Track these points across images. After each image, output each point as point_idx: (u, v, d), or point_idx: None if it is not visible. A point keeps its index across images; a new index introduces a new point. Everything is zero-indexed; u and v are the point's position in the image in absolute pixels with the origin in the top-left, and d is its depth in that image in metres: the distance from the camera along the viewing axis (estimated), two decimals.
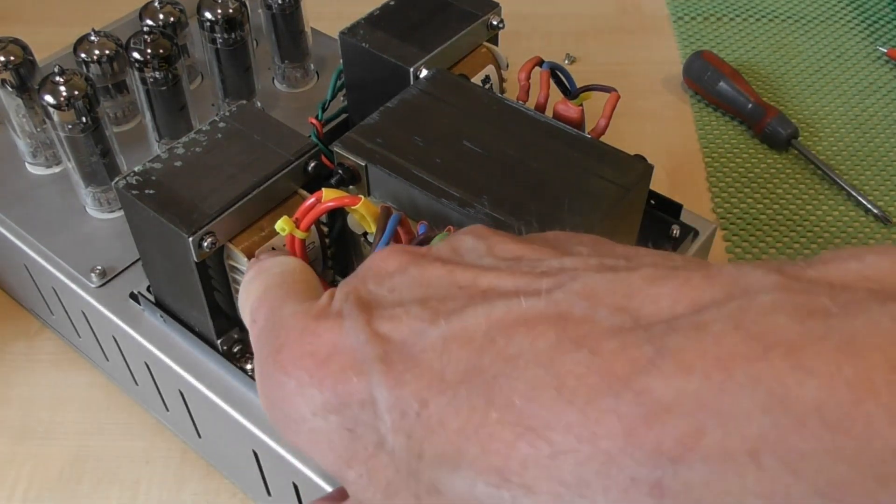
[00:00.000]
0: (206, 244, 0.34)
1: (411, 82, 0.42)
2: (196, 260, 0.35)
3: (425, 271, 0.22)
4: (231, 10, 0.48)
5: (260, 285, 0.27)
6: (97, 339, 0.46)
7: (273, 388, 0.23)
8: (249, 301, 0.27)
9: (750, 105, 0.65)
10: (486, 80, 0.46)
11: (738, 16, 0.79)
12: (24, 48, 0.48)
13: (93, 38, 0.50)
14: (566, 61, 0.74)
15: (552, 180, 0.33)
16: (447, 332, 0.20)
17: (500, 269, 0.21)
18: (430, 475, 0.20)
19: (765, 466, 0.16)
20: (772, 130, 0.64)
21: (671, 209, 0.45)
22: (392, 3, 0.46)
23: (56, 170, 0.50)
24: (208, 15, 0.48)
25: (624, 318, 0.18)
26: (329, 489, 0.35)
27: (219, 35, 0.49)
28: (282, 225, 0.32)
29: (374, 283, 0.23)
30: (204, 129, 0.38)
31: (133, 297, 0.42)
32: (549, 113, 0.40)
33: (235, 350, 0.39)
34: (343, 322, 0.22)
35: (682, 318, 0.18)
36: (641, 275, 0.19)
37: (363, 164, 0.34)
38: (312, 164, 0.37)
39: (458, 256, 0.23)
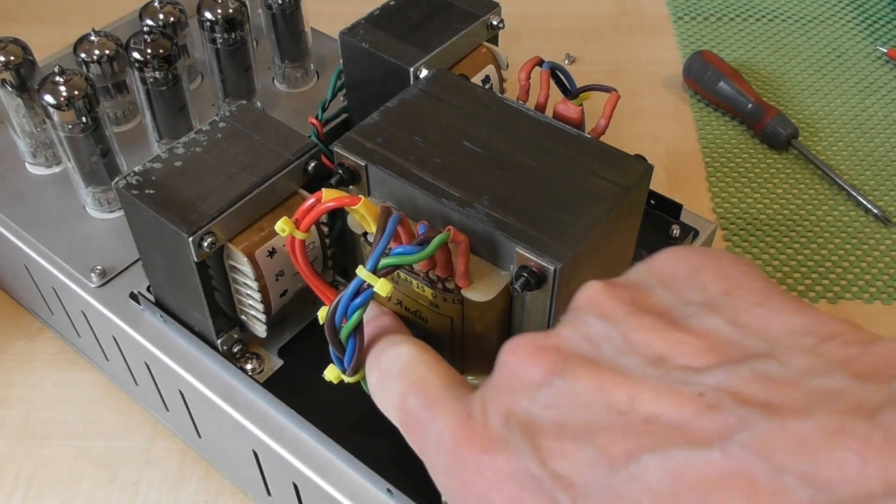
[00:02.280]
0: (206, 244, 0.34)
1: (411, 82, 0.42)
2: (196, 260, 0.35)
3: (574, 384, 0.22)
4: (231, 10, 0.48)
5: (395, 390, 0.28)
6: (97, 339, 0.46)
7: None
8: (392, 410, 0.28)
9: (750, 105, 0.65)
10: (486, 80, 0.46)
11: (738, 16, 0.79)
12: (24, 48, 0.48)
13: (93, 38, 0.50)
14: (566, 61, 0.74)
15: (552, 180, 0.33)
16: (631, 486, 0.20)
17: (651, 385, 0.21)
18: None
19: None
20: (772, 130, 0.64)
21: (671, 209, 0.45)
22: (392, 3, 0.46)
23: (56, 170, 0.50)
24: (208, 15, 0.48)
25: (814, 493, 0.18)
26: (329, 489, 0.35)
27: (219, 35, 0.49)
28: (282, 225, 0.32)
29: (525, 397, 0.23)
30: (204, 129, 0.38)
31: (133, 297, 0.42)
32: (549, 113, 0.39)
33: (235, 350, 0.39)
34: (516, 457, 0.22)
35: (875, 499, 0.17)
36: (817, 426, 0.18)
37: (363, 164, 0.34)
38: (312, 164, 0.37)
39: (595, 350, 0.23)
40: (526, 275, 0.31)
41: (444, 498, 0.26)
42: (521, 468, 0.22)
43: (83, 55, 0.50)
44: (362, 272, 0.29)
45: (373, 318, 0.32)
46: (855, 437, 0.18)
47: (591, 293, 0.25)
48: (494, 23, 0.46)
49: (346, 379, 0.33)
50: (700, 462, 0.19)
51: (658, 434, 0.20)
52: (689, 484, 0.19)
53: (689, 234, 0.44)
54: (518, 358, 0.24)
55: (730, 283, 0.23)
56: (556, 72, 0.41)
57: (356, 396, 0.35)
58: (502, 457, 0.23)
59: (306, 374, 0.39)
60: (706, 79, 0.68)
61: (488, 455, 0.23)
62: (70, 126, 0.44)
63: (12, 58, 0.47)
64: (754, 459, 0.18)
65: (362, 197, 0.31)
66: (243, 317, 0.39)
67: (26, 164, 0.50)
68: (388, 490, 0.34)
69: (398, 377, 0.28)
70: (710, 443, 0.19)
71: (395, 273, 0.32)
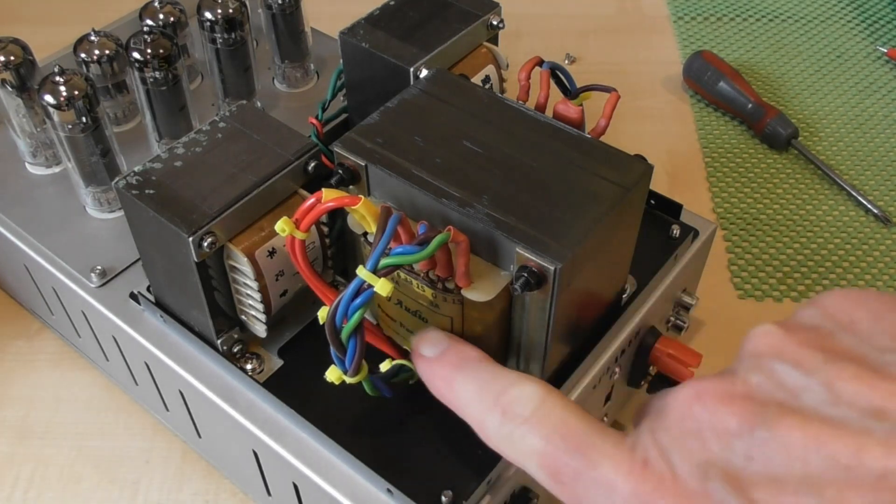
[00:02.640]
0: (206, 244, 0.34)
1: (411, 82, 0.42)
2: (196, 260, 0.35)
3: (781, 434, 0.21)
4: (231, 10, 0.48)
5: (532, 436, 0.26)
6: (97, 339, 0.46)
7: None
8: (531, 458, 0.26)
9: (750, 105, 0.65)
10: (486, 80, 0.46)
11: (738, 16, 0.79)
12: (24, 48, 0.48)
13: (93, 38, 0.50)
14: (566, 61, 0.74)
15: (552, 180, 0.33)
16: None
17: (878, 439, 0.20)
18: None
19: None
20: (772, 130, 0.64)
21: (671, 209, 0.45)
22: (392, 3, 0.46)
23: (56, 170, 0.50)
24: (208, 15, 0.48)
25: None
26: (329, 489, 0.35)
27: (219, 35, 0.49)
28: (282, 226, 0.32)
29: (719, 447, 0.22)
30: (204, 129, 0.38)
31: (133, 297, 0.42)
32: (549, 113, 0.39)
33: (235, 350, 0.39)
34: None
35: None
36: None
37: (363, 164, 0.34)
38: (312, 164, 0.37)
39: (794, 399, 0.22)
40: (526, 275, 0.31)
41: None
42: None
43: (83, 55, 0.50)
44: (362, 272, 0.29)
45: (454, 349, 0.30)
46: None
47: (771, 338, 0.24)
48: (494, 23, 0.46)
49: (348, 380, 0.33)
50: None
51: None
52: None
53: (688, 233, 0.44)
54: (706, 405, 0.23)
55: None
56: (556, 72, 0.41)
57: (356, 396, 0.35)
58: None
59: (306, 374, 0.39)
60: (706, 79, 0.68)
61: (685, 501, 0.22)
62: (70, 126, 0.44)
63: (12, 58, 0.47)
64: None
65: (362, 197, 0.31)
66: (243, 317, 0.39)
67: (26, 164, 0.50)
68: (388, 490, 0.34)
69: (532, 420, 0.26)
70: None
71: (395, 273, 0.32)
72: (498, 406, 0.27)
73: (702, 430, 0.22)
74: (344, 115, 0.49)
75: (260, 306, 0.37)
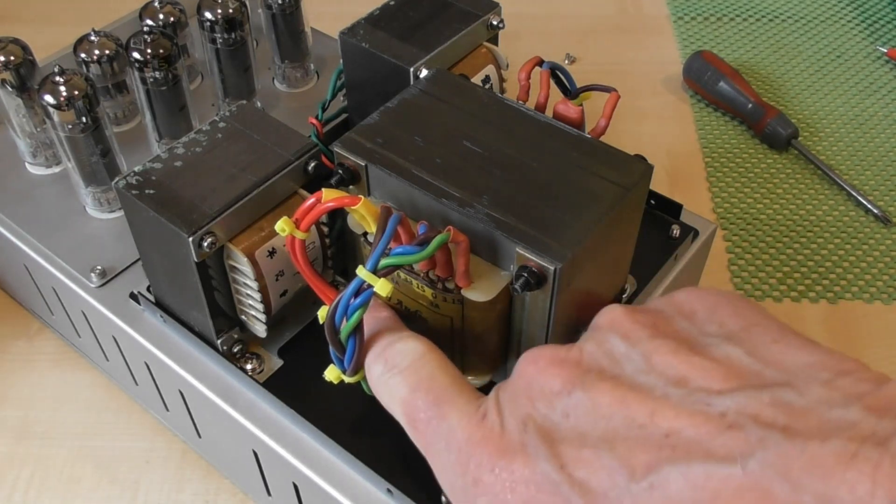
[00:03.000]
0: (206, 244, 0.34)
1: (411, 82, 0.42)
2: (196, 260, 0.35)
3: (594, 396, 0.23)
4: (231, 10, 0.48)
5: (402, 385, 0.28)
6: (97, 339, 0.46)
7: None
8: (397, 404, 0.28)
9: (750, 105, 0.65)
10: (486, 80, 0.46)
11: (738, 16, 0.79)
12: (24, 48, 0.48)
13: (93, 38, 0.50)
14: (566, 61, 0.74)
15: (552, 180, 0.33)
16: (650, 495, 0.21)
17: (672, 402, 0.22)
18: None
19: None
20: (772, 130, 0.64)
21: (671, 209, 0.45)
22: (392, 3, 0.46)
23: (56, 170, 0.50)
24: (208, 15, 0.48)
25: None
26: (329, 489, 0.35)
27: (219, 35, 0.49)
28: (282, 225, 0.32)
29: (543, 405, 0.24)
30: (204, 129, 0.38)
31: (133, 297, 0.42)
32: (549, 113, 0.39)
33: (235, 350, 0.39)
34: (533, 461, 0.23)
35: None
36: (833, 450, 0.19)
37: (363, 164, 0.34)
38: (312, 164, 0.37)
39: (616, 366, 0.24)
40: (526, 275, 0.31)
41: (447, 495, 0.26)
42: (538, 472, 0.23)
43: (83, 55, 0.50)
44: (362, 272, 0.29)
45: (371, 309, 0.32)
46: (867, 462, 0.19)
47: (613, 314, 0.26)
48: (494, 23, 0.46)
49: (347, 379, 0.33)
50: (720, 475, 0.20)
51: (678, 448, 0.21)
52: (708, 495, 0.20)
53: (688, 233, 0.44)
54: (538, 367, 0.25)
55: (746, 320, 0.25)
56: (556, 72, 0.41)
57: (356, 396, 0.35)
58: (520, 459, 0.24)
59: (306, 374, 0.39)
60: (706, 79, 0.68)
61: (505, 457, 0.24)
62: (70, 126, 0.44)
63: (12, 58, 0.47)
64: (773, 476, 0.20)
65: (362, 197, 0.31)
66: (243, 317, 0.39)
67: (26, 164, 0.50)
68: (388, 490, 0.34)
69: (406, 372, 0.29)
70: (731, 459, 0.20)
71: (395, 273, 0.32)
72: (383, 356, 0.30)
73: (531, 389, 0.25)
74: (344, 115, 0.49)
75: (260, 306, 0.37)
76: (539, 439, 0.23)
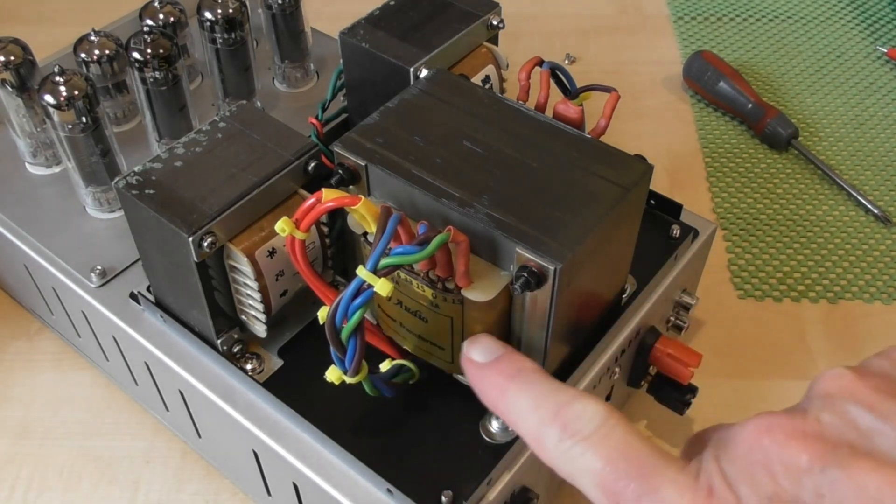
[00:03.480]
0: (206, 244, 0.34)
1: (411, 82, 0.42)
2: (196, 260, 0.35)
3: (855, 475, 0.21)
4: (231, 10, 0.48)
5: (592, 455, 0.25)
6: (97, 339, 0.46)
7: None
8: (589, 478, 0.25)
9: (750, 105, 0.65)
10: (486, 80, 0.46)
11: (738, 16, 0.79)
12: (24, 48, 0.48)
13: (93, 38, 0.50)
14: (566, 61, 0.74)
15: (552, 180, 0.33)
16: None
17: None
18: None
19: None
20: (772, 130, 0.64)
21: (671, 209, 0.45)
22: (392, 3, 0.46)
23: (56, 170, 0.50)
24: (208, 15, 0.48)
25: None
26: (329, 489, 0.35)
27: (219, 35, 0.49)
28: (282, 226, 0.32)
29: (789, 482, 0.22)
30: (204, 129, 0.38)
31: (133, 297, 0.42)
32: (549, 113, 0.39)
33: (235, 350, 0.39)
34: None
35: None
36: None
37: (363, 164, 0.34)
38: (312, 164, 0.37)
39: (867, 441, 0.22)
40: (526, 275, 0.31)
41: None
42: None
43: (83, 55, 0.50)
44: (362, 272, 0.29)
45: (507, 355, 0.29)
46: None
47: (845, 381, 0.24)
48: (494, 23, 0.46)
49: (348, 380, 0.33)
50: None
51: None
52: None
53: (688, 233, 0.44)
54: (777, 440, 0.23)
55: None
56: (556, 72, 0.41)
57: (356, 396, 0.35)
58: None
59: (306, 374, 0.39)
60: (706, 79, 0.68)
61: None
62: (70, 126, 0.44)
63: (12, 58, 0.47)
64: None
65: (362, 197, 0.31)
66: (243, 317, 0.39)
67: (26, 164, 0.50)
68: (388, 490, 0.34)
69: (593, 439, 0.25)
70: None
71: (395, 273, 0.32)
72: (558, 420, 0.26)
73: (771, 464, 0.22)
74: (344, 115, 0.49)
75: (260, 306, 0.37)
76: None
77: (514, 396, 0.28)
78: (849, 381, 0.24)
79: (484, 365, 0.29)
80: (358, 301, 0.30)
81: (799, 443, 0.22)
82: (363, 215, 0.31)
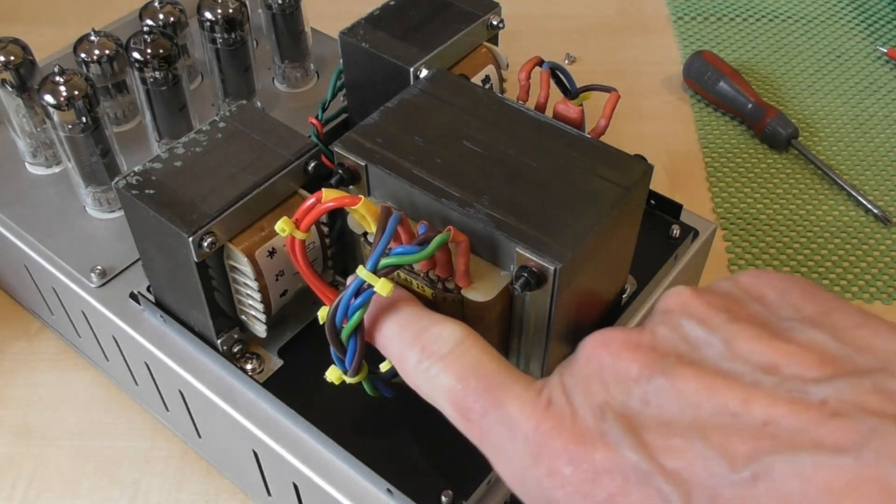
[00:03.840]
0: (206, 244, 0.34)
1: (411, 82, 0.42)
2: (196, 260, 0.35)
3: (677, 382, 0.22)
4: (231, 10, 0.48)
5: (445, 373, 0.26)
6: (97, 339, 0.46)
7: None
8: (442, 395, 0.26)
9: (750, 105, 0.65)
10: (486, 80, 0.46)
11: (738, 16, 0.79)
12: (24, 48, 0.48)
13: (93, 38, 0.50)
14: (566, 61, 0.74)
15: (552, 180, 0.33)
16: (754, 486, 0.20)
17: (766, 390, 0.21)
18: None
19: None
20: (772, 130, 0.64)
21: (671, 209, 0.45)
22: (392, 3, 0.46)
23: (56, 170, 0.50)
24: (208, 15, 0.48)
25: None
26: (329, 489, 0.35)
27: (219, 35, 0.49)
28: (282, 226, 0.32)
29: (619, 390, 0.23)
30: (204, 129, 0.38)
31: (133, 297, 0.42)
32: (549, 113, 0.39)
33: (235, 350, 0.39)
34: (617, 450, 0.22)
35: None
36: None
37: (363, 164, 0.34)
38: (312, 164, 0.37)
39: (695, 352, 0.23)
40: (526, 275, 0.31)
41: (512, 488, 0.25)
42: (624, 462, 0.22)
43: (83, 55, 0.50)
44: (362, 272, 0.29)
45: (394, 295, 0.30)
46: None
47: (682, 298, 0.25)
48: (494, 23, 0.46)
49: (348, 380, 0.33)
50: (832, 467, 0.19)
51: (780, 438, 0.20)
52: (818, 487, 0.19)
53: (688, 233, 0.44)
54: (611, 351, 0.24)
55: (822, 304, 0.24)
56: (556, 72, 0.41)
57: (356, 396, 0.35)
58: (601, 449, 0.22)
59: (306, 374, 0.39)
60: (706, 79, 0.68)
61: (583, 446, 0.23)
62: (70, 126, 0.44)
63: (12, 58, 0.47)
64: (892, 467, 0.19)
65: (362, 197, 0.31)
66: (243, 317, 0.39)
67: (26, 164, 0.50)
68: (388, 490, 0.34)
69: (448, 359, 0.27)
70: (841, 449, 0.19)
71: (395, 273, 0.32)
72: (418, 342, 0.28)
73: (604, 374, 0.24)
74: (344, 115, 0.49)
75: (260, 306, 0.37)
76: (621, 427, 0.22)
77: (385, 324, 0.29)
78: (687, 297, 0.25)
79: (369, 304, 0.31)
80: (358, 301, 0.30)
81: (631, 353, 0.23)
82: (363, 215, 0.31)
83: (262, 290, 0.37)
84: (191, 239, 0.34)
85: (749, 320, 0.23)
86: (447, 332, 0.28)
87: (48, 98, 0.43)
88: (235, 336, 0.40)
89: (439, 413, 0.30)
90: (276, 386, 0.38)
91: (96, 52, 0.50)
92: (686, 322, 0.24)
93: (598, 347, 0.24)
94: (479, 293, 0.32)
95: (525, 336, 0.35)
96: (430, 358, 0.27)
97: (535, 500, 0.24)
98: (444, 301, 0.33)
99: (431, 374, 0.27)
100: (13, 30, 0.52)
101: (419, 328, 0.28)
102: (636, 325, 0.40)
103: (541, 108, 0.40)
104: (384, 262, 0.30)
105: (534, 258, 0.31)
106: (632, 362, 0.23)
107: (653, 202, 0.45)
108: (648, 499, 0.21)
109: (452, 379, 0.26)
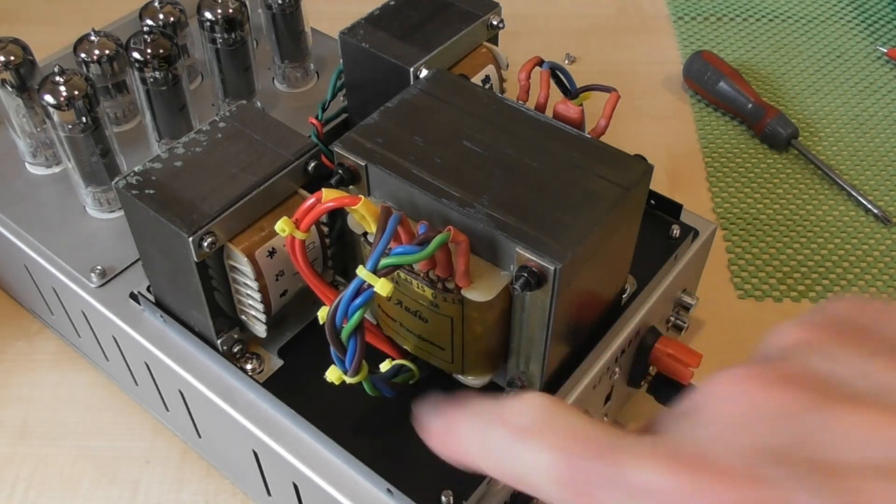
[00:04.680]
0: (206, 244, 0.34)
1: (411, 82, 0.42)
2: (196, 260, 0.35)
3: (837, 419, 0.20)
4: (231, 10, 0.48)
5: (542, 448, 0.22)
6: (97, 339, 0.46)
7: None
8: (544, 472, 0.22)
9: (750, 105, 0.65)
10: (486, 80, 0.46)
11: (738, 16, 0.79)
12: (24, 48, 0.48)
13: (93, 38, 0.50)
14: (566, 61, 0.74)
15: (552, 180, 0.33)
16: None
17: None
18: None
19: None
20: (772, 130, 0.64)
21: (671, 209, 0.45)
22: (392, 3, 0.46)
23: (56, 170, 0.50)
24: (208, 15, 0.48)
25: None
26: (329, 489, 0.35)
27: (219, 35, 0.49)
28: (282, 226, 0.32)
29: (770, 431, 0.20)
30: (204, 129, 0.38)
31: (133, 297, 0.42)
32: (549, 113, 0.39)
33: (235, 350, 0.39)
34: (790, 494, 0.19)
35: None
36: None
37: (363, 164, 0.34)
38: (312, 164, 0.37)
39: (843, 386, 0.21)
40: (526, 275, 0.31)
41: None
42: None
43: (83, 55, 0.50)
44: (362, 272, 0.29)
45: (449, 401, 0.26)
46: None
47: (799, 332, 0.23)
48: (494, 23, 0.46)
49: (348, 380, 0.33)
50: None
51: None
52: None
53: (688, 233, 0.44)
54: (746, 391, 0.21)
55: None
56: (556, 72, 0.41)
57: (356, 396, 0.35)
58: (771, 497, 0.19)
59: (306, 374, 0.39)
60: (706, 79, 0.68)
61: (744, 493, 0.20)
62: (70, 126, 0.44)
63: (12, 58, 0.47)
64: None
65: (362, 197, 0.31)
66: (243, 317, 0.39)
67: (26, 164, 0.50)
68: (388, 490, 0.34)
69: (542, 431, 0.22)
70: None
71: (395, 273, 0.32)
72: (499, 419, 0.23)
73: (746, 416, 0.21)
74: (344, 115, 0.49)
75: (260, 306, 0.37)
76: (787, 469, 0.20)
77: (454, 422, 0.25)
78: (804, 331, 0.23)
79: (430, 415, 0.26)
80: (358, 301, 0.30)
81: (772, 391, 0.21)
82: (363, 215, 0.31)
83: (262, 290, 0.37)
84: (191, 239, 0.34)
85: (871, 349, 0.22)
86: (527, 400, 0.23)
87: (48, 98, 0.43)
88: (235, 336, 0.40)
89: None
90: (276, 386, 0.38)
91: (96, 52, 0.50)
92: (813, 356, 0.22)
93: (727, 388, 0.22)
94: (479, 293, 0.32)
95: (525, 336, 0.35)
96: (518, 433, 0.23)
97: None
98: (444, 301, 0.33)
99: (526, 451, 0.22)
100: (13, 30, 0.52)
101: (495, 408, 0.24)
102: (634, 325, 0.40)
103: (541, 108, 0.40)
104: (384, 262, 0.30)
105: (534, 258, 0.31)
106: (774, 399, 0.21)
107: (653, 202, 0.45)
108: None
109: (552, 452, 0.22)
